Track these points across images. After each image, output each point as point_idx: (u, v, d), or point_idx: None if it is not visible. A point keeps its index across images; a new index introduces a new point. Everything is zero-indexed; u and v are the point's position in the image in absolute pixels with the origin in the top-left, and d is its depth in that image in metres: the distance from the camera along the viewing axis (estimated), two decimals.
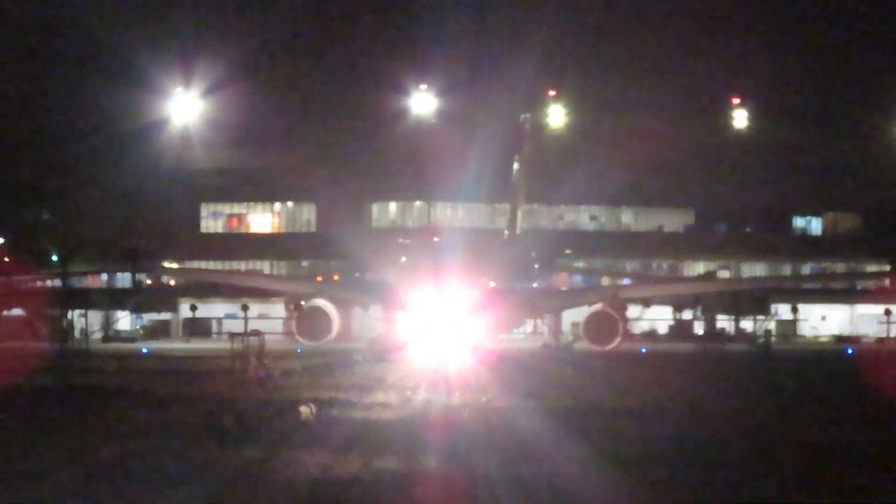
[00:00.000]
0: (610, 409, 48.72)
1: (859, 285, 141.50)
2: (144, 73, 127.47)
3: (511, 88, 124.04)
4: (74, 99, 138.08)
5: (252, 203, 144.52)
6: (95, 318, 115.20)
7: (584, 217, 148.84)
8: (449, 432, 41.53)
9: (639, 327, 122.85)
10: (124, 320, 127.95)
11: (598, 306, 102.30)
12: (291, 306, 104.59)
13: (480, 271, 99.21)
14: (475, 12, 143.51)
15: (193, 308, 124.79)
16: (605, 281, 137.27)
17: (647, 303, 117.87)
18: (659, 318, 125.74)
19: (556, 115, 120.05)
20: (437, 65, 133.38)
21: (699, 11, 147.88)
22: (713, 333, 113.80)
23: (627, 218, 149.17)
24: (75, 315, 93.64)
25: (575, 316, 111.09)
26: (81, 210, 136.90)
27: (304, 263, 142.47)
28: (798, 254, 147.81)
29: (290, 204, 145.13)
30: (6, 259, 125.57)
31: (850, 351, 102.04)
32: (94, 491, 31.05)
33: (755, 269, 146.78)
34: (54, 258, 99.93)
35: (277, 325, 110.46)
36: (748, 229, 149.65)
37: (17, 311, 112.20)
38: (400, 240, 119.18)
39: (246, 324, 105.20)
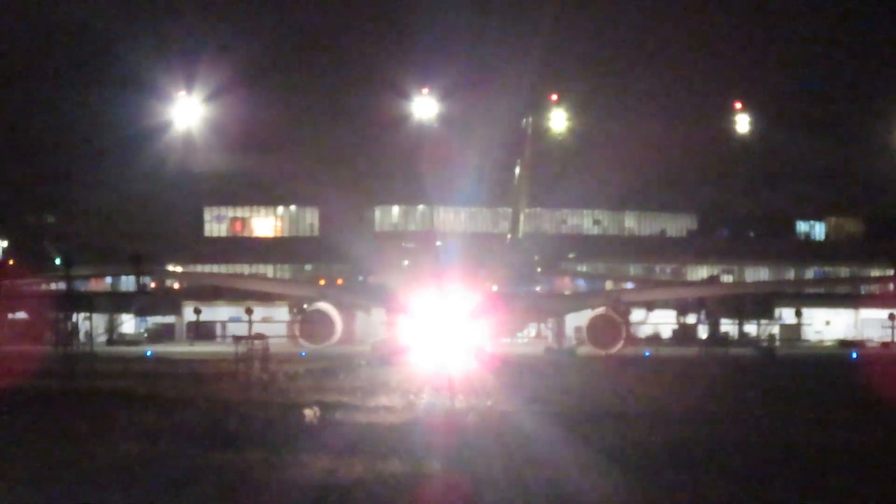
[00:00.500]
0: (613, 413, 48.68)
1: (863, 289, 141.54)
2: (148, 78, 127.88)
3: (513, 93, 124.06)
4: (78, 103, 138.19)
5: (255, 207, 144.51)
6: (100, 321, 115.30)
7: (586, 221, 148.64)
8: (452, 436, 41.54)
9: (642, 331, 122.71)
10: (128, 324, 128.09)
11: (601, 310, 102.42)
12: (295, 310, 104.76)
13: (483, 275, 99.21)
14: (477, 17, 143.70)
15: (197, 311, 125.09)
16: (608, 285, 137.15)
17: (650, 307, 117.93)
18: (662, 322, 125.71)
19: (558, 120, 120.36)
20: (438, 69, 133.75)
21: (702, 17, 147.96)
22: (717, 337, 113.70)
23: (630, 222, 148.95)
24: (79, 318, 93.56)
25: (578, 320, 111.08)
26: (85, 213, 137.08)
27: (308, 267, 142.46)
28: (801, 258, 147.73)
29: (293, 208, 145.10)
30: (10, 262, 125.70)
31: (854, 355, 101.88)
32: (98, 494, 31.09)
33: (758, 274, 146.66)
34: (58, 261, 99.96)
35: (281, 329, 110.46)
36: (751, 234, 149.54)
37: (21, 315, 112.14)
38: (403, 244, 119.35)
39: (250, 327, 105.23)
